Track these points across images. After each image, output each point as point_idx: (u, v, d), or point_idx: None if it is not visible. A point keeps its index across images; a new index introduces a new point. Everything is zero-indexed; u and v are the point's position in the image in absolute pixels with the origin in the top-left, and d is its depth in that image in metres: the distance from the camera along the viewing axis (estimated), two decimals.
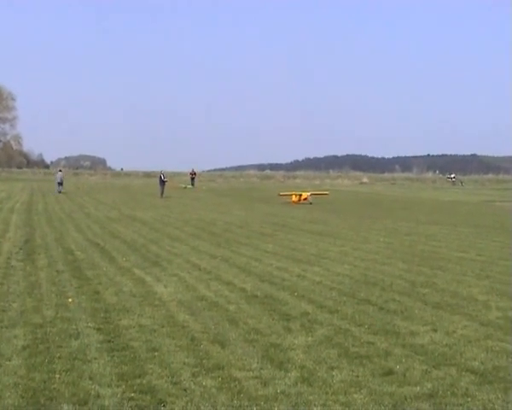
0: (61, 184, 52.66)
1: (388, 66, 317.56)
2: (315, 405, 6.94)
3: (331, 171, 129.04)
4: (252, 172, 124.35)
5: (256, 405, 6.91)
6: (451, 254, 18.59)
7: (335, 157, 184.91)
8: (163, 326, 9.89)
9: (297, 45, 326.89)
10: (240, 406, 6.90)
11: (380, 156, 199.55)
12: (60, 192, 50.98)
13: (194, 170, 73.70)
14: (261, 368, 8.04)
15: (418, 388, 7.43)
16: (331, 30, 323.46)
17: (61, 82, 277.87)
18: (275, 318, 10.54)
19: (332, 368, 8.07)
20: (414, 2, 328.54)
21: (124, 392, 7.20)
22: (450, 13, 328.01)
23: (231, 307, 11.26)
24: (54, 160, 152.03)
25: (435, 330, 9.87)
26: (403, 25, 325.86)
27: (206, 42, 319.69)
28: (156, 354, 8.52)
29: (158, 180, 51.68)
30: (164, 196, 48.66)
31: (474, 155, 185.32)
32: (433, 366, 8.18)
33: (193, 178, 71.91)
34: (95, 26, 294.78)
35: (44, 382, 7.43)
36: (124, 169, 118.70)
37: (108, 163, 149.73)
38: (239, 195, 57.48)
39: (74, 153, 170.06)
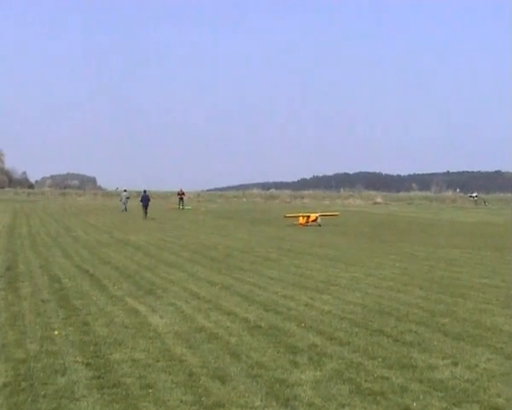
0: (125, 203, 61.09)
1: (404, 75, 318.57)
2: None
3: (342, 190, 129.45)
4: (255, 191, 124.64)
5: None
6: (474, 281, 18.58)
7: (346, 175, 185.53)
8: (158, 360, 9.90)
9: (305, 56, 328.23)
10: None
11: (395, 174, 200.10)
12: (124, 211, 59.31)
13: (183, 190, 74.21)
14: (265, 406, 8.04)
15: None
16: (342, 40, 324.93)
17: (47, 95, 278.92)
18: (280, 351, 10.54)
19: (343, 406, 8.06)
20: (427, 9, 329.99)
21: None
22: (473, 25, 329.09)
23: (233, 340, 11.27)
24: (39, 179, 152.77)
25: (456, 364, 9.86)
26: (419, 35, 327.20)
27: (211, 57, 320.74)
28: (151, 391, 8.52)
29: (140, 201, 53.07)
30: (148, 216, 49.51)
31: (497, 172, 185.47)
32: (454, 404, 8.17)
33: (181, 198, 72.46)
34: (82, 37, 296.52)
35: None
36: (119, 189, 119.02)
37: (99, 182, 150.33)
38: (241, 216, 57.54)
39: (61, 171, 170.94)
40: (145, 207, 51.18)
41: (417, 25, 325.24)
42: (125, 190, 64.91)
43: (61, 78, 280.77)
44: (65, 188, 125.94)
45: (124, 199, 62.00)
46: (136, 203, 57.17)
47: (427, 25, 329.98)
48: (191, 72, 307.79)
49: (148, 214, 50.61)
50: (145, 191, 55.11)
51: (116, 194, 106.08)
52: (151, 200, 54.17)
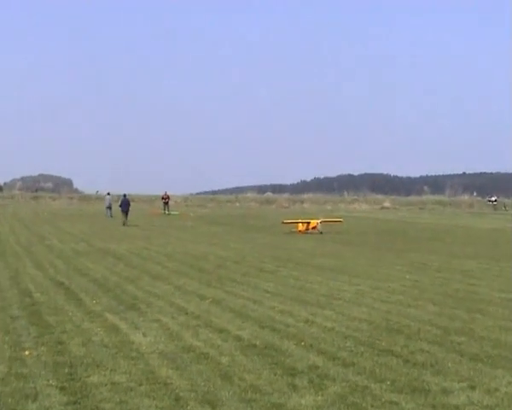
0: (109, 208, 61.59)
1: (414, 69, 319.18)
2: None
3: (345, 193, 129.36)
4: (250, 194, 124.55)
5: None
6: (493, 295, 18.61)
7: (351, 176, 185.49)
8: (141, 384, 9.87)
9: (307, 50, 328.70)
10: None
11: (405, 175, 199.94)
12: (111, 216, 59.47)
13: (168, 193, 74.49)
14: None
15: None
16: (343, 33, 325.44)
17: (17, 92, 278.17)
18: (277, 372, 10.52)
19: None
20: (436, 6, 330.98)
21: None
22: (481, 21, 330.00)
23: (224, 360, 11.25)
24: (8, 180, 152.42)
25: (473, 388, 9.85)
26: (425, 32, 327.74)
27: (209, 55, 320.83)
28: None
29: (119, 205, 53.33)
30: (129, 223, 49.97)
31: None
32: None
33: (166, 203, 72.77)
34: (62, 30, 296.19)
35: None
36: (99, 192, 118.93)
37: (75, 185, 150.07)
38: (234, 223, 57.56)
39: (33, 172, 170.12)
40: (125, 212, 50.94)
41: (424, 20, 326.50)
42: (108, 194, 65.28)
43: (35, 74, 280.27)
44: (37, 191, 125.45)
45: (108, 203, 62.47)
46: (115, 208, 57.11)
47: (435, 19, 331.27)
48: (184, 68, 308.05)
49: (128, 220, 50.49)
50: (125, 195, 54.96)
51: (96, 197, 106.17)
52: (131, 204, 53.99)
